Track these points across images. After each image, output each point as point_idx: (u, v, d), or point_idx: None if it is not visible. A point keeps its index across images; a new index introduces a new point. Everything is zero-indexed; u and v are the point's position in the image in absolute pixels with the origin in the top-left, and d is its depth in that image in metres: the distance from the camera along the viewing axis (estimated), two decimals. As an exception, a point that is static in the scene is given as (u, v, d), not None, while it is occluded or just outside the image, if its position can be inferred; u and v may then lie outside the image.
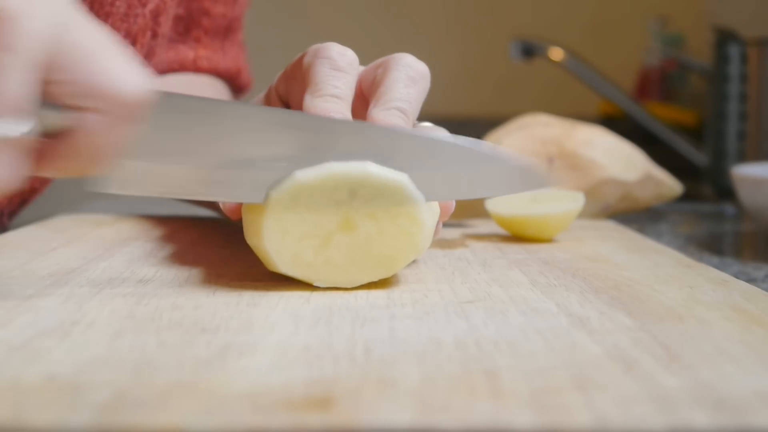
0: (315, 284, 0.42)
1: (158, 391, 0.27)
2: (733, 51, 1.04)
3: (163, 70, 0.74)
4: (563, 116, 0.80)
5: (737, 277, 0.46)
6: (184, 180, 0.41)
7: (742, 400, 0.27)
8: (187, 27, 0.74)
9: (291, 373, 0.29)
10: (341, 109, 0.46)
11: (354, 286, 0.43)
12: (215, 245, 0.55)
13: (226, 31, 0.76)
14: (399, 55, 0.49)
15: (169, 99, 0.40)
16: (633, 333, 0.34)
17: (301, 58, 0.49)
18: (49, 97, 0.37)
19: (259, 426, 0.25)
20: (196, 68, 0.75)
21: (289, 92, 0.52)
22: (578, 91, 1.42)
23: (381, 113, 0.46)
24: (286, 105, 0.53)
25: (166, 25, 0.67)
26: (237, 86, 0.79)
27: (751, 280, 0.54)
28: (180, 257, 0.51)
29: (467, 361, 0.31)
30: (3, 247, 0.53)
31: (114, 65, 0.37)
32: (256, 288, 0.42)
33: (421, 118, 0.49)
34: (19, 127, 0.35)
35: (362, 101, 0.49)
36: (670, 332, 0.35)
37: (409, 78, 0.47)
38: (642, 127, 1.13)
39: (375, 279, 0.43)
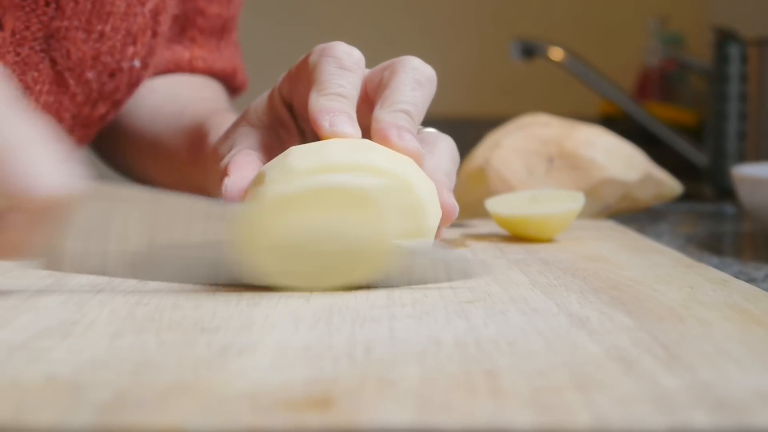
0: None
1: (158, 391, 0.27)
2: (733, 51, 1.04)
3: (159, 71, 0.74)
4: (563, 116, 0.80)
5: (737, 277, 0.46)
6: (114, 261, 0.41)
7: (742, 400, 0.27)
8: (183, 27, 0.74)
9: (291, 373, 0.29)
10: (346, 108, 0.45)
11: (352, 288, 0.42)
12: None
13: (222, 31, 0.76)
14: (406, 58, 0.49)
15: (93, 188, 0.40)
16: (633, 333, 0.34)
17: (307, 57, 0.49)
18: None
19: (259, 426, 0.25)
20: (191, 68, 0.75)
21: (293, 93, 0.51)
22: (578, 91, 1.42)
23: (387, 115, 0.45)
24: (290, 105, 0.52)
25: (165, 24, 0.67)
26: (233, 87, 0.79)
27: (751, 280, 0.54)
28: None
29: (467, 360, 0.31)
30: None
31: (30, 164, 0.36)
32: (256, 288, 0.42)
33: (423, 118, 0.49)
34: None
35: (367, 103, 0.49)
36: (670, 332, 0.35)
37: (416, 81, 0.47)
38: (642, 127, 1.13)
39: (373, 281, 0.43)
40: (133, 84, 0.66)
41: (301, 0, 1.90)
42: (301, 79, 0.50)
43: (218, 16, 0.75)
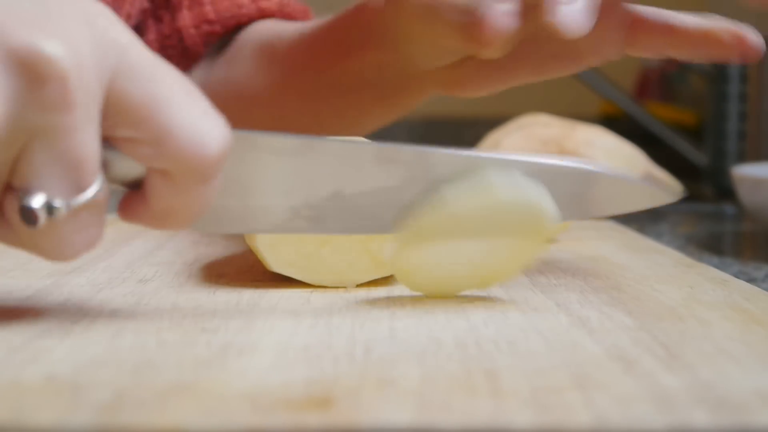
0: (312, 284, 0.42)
1: (158, 391, 0.27)
2: (733, 51, 1.04)
3: (224, 21, 0.67)
4: (563, 116, 0.80)
5: (737, 277, 0.46)
6: (276, 217, 0.38)
7: (742, 400, 0.27)
8: None
9: (291, 373, 0.29)
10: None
11: (351, 285, 0.43)
12: (215, 245, 0.55)
13: None
14: None
15: (253, 138, 0.36)
16: (633, 333, 0.34)
17: None
18: (117, 147, 0.33)
19: (259, 426, 0.25)
20: (258, 9, 0.67)
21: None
22: (578, 91, 1.42)
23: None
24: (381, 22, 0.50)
25: None
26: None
27: (751, 280, 0.54)
28: (180, 257, 0.51)
29: (467, 360, 0.31)
30: (3, 246, 0.53)
31: (183, 119, 0.32)
32: (256, 288, 0.42)
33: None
34: (88, 190, 0.32)
35: None
36: (670, 332, 0.35)
37: None
38: (642, 127, 1.12)
39: (373, 278, 0.43)
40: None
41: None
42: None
43: None
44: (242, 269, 0.47)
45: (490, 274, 0.40)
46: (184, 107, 0.32)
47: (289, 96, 0.60)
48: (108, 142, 0.33)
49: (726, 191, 1.01)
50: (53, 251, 0.33)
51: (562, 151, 0.74)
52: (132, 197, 0.34)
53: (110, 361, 0.31)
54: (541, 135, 0.76)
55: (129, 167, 0.33)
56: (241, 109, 0.60)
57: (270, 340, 0.33)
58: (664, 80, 1.67)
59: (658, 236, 0.73)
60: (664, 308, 0.39)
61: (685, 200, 0.85)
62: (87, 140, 0.31)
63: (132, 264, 0.48)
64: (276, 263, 0.42)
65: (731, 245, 0.76)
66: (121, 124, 0.32)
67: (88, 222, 0.32)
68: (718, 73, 1.05)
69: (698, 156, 1.09)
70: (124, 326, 0.35)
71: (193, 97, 0.33)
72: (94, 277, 0.44)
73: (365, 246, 0.42)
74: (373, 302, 0.39)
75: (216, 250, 0.53)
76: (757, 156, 1.03)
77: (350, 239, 0.42)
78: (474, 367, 0.30)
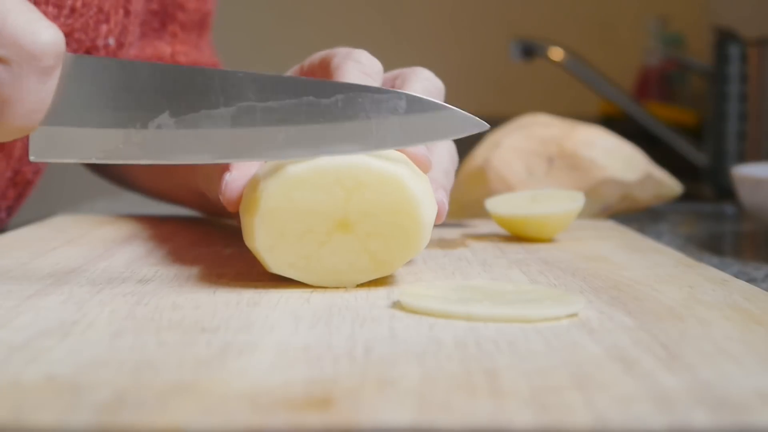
0: (312, 284, 0.42)
1: (158, 391, 0.27)
2: (733, 51, 1.04)
3: None
4: (563, 116, 0.80)
5: (737, 277, 0.46)
6: (113, 144, 0.40)
7: (742, 400, 0.27)
8: (163, 22, 0.74)
9: (291, 373, 0.29)
10: None
11: (351, 286, 0.42)
12: (215, 245, 0.55)
13: (200, 26, 0.77)
14: (418, 69, 0.50)
15: (91, 62, 0.40)
16: (633, 333, 0.34)
17: (326, 58, 0.50)
18: None
19: (259, 426, 0.25)
20: (174, 63, 0.75)
21: None
22: (578, 91, 1.42)
23: None
24: None
25: (138, 4, 0.67)
26: None
27: (751, 280, 0.54)
28: (180, 257, 0.51)
29: (467, 360, 0.31)
30: (3, 247, 0.53)
31: (20, 17, 0.37)
32: (256, 288, 0.42)
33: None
34: None
35: None
36: (670, 332, 0.35)
37: (427, 90, 0.49)
38: (642, 127, 1.12)
39: (372, 278, 0.43)
40: None
41: None
42: (317, 77, 0.50)
43: (197, 10, 0.75)
44: (242, 269, 0.47)
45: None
46: (24, 8, 0.37)
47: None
48: None
49: (726, 191, 1.01)
50: None
51: (563, 151, 0.74)
52: None
53: (110, 361, 0.31)
54: (541, 135, 0.76)
55: None
56: None
57: (270, 340, 0.33)
58: (664, 80, 1.67)
59: (658, 236, 0.73)
60: (664, 308, 0.39)
61: (685, 200, 0.85)
62: None
63: (132, 264, 0.48)
64: (275, 265, 0.42)
65: (731, 245, 0.76)
66: None
67: None
68: (718, 73, 1.05)
69: (698, 156, 1.09)
70: (124, 326, 0.35)
71: (28, 5, 0.38)
72: (94, 277, 0.44)
73: (365, 246, 0.42)
74: (373, 302, 0.39)
75: (216, 251, 0.53)
76: (757, 156, 1.03)
77: (349, 240, 0.42)
78: (474, 367, 0.30)
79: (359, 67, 0.48)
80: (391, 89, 0.42)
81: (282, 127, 0.41)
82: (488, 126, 0.44)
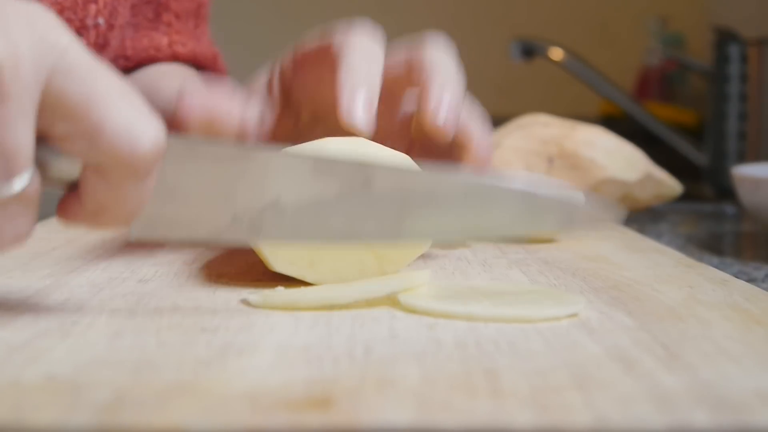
0: (312, 283, 0.42)
1: (158, 391, 0.27)
2: (733, 51, 1.04)
3: (140, 59, 0.73)
4: (563, 116, 0.80)
5: (737, 277, 0.46)
6: (219, 224, 0.38)
7: (742, 400, 0.27)
8: (157, 12, 0.73)
9: (291, 373, 0.29)
10: (373, 98, 0.46)
11: (353, 285, 0.42)
12: (215, 245, 0.55)
13: (196, 16, 0.76)
14: (428, 49, 0.50)
15: (185, 144, 0.37)
16: (633, 333, 0.34)
17: (321, 43, 0.50)
18: (54, 146, 0.34)
19: (259, 426, 0.25)
20: (173, 54, 0.74)
21: (300, 75, 0.51)
22: (578, 91, 1.42)
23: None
24: (287, 89, 0.53)
25: (124, 8, 0.67)
26: (214, 74, 0.78)
27: (751, 280, 0.54)
28: (180, 257, 0.51)
29: (467, 360, 0.31)
30: (3, 247, 0.53)
31: (118, 116, 0.33)
32: (256, 288, 0.42)
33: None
34: (17, 181, 0.32)
35: (386, 84, 0.49)
36: (670, 332, 0.35)
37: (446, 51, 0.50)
38: (642, 127, 1.12)
39: (374, 278, 0.43)
40: (101, 45, 0.65)
41: None
42: (314, 63, 0.50)
43: None
44: (242, 269, 0.47)
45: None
46: (119, 104, 0.33)
47: None
48: (45, 141, 0.34)
49: (726, 191, 1.01)
50: None
51: (562, 151, 0.74)
52: (68, 198, 0.35)
53: (110, 361, 0.31)
54: (541, 135, 0.76)
55: (65, 167, 0.34)
56: None
57: (270, 340, 0.33)
58: (664, 80, 1.67)
59: (658, 236, 0.73)
60: (664, 308, 0.39)
61: (685, 200, 0.85)
62: (19, 132, 0.32)
63: (132, 264, 0.48)
64: (277, 262, 0.42)
65: (731, 245, 0.76)
66: (57, 120, 0.33)
67: (16, 214, 0.33)
68: (718, 73, 1.05)
69: (698, 156, 1.09)
70: (124, 326, 0.35)
71: (129, 97, 0.34)
72: (94, 277, 0.44)
73: (367, 245, 0.42)
74: (373, 302, 0.39)
75: (216, 251, 0.53)
76: (757, 156, 1.03)
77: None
78: (474, 367, 0.30)
79: (361, 46, 0.47)
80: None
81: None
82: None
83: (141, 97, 0.34)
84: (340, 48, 0.48)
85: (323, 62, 0.50)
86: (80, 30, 0.63)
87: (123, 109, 0.33)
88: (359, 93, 0.45)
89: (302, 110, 0.53)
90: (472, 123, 0.51)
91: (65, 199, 0.36)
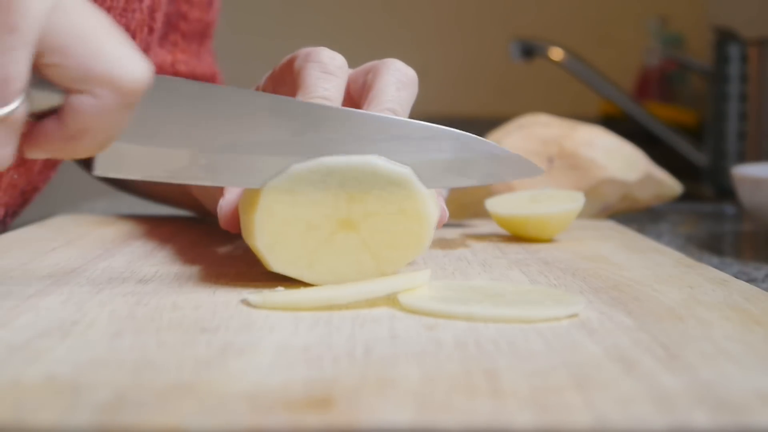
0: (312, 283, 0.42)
1: (158, 391, 0.27)
2: (733, 51, 1.04)
3: None
4: (563, 116, 0.80)
5: (737, 277, 0.46)
6: (179, 164, 0.41)
7: (742, 400, 0.27)
8: (165, 31, 0.74)
9: (291, 373, 0.29)
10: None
11: (353, 286, 0.42)
12: (215, 245, 0.55)
13: (202, 36, 0.77)
14: (389, 60, 0.50)
15: (163, 82, 0.40)
16: (633, 333, 0.34)
17: (291, 61, 0.50)
18: (39, 76, 0.36)
19: (259, 426, 0.25)
20: (174, 72, 0.76)
21: (277, 94, 0.52)
22: (578, 91, 1.42)
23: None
24: None
25: (160, 21, 0.67)
26: None
27: (751, 280, 0.54)
28: (180, 257, 0.51)
29: (467, 360, 0.31)
30: (3, 247, 0.53)
31: (111, 49, 0.37)
32: (256, 288, 0.42)
33: (422, 117, 0.50)
34: (9, 105, 0.35)
35: (350, 104, 0.50)
36: (670, 332, 0.35)
37: (399, 82, 0.49)
38: (642, 127, 1.13)
39: (374, 278, 0.43)
40: None
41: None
42: (285, 82, 0.51)
43: (199, 20, 0.76)
44: (242, 269, 0.47)
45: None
46: (112, 38, 0.37)
47: None
48: (34, 69, 0.36)
49: (726, 191, 1.01)
50: None
51: (562, 151, 0.74)
52: (41, 125, 0.38)
53: (110, 361, 0.31)
54: (541, 135, 0.76)
55: (47, 96, 0.37)
56: None
57: (270, 340, 0.33)
58: (664, 80, 1.67)
59: (658, 236, 0.73)
60: (664, 308, 0.39)
61: (685, 200, 0.85)
62: (20, 62, 0.35)
63: (132, 264, 0.48)
64: (276, 263, 0.42)
65: (731, 245, 0.76)
66: (53, 53, 0.36)
67: (2, 137, 0.36)
68: (718, 73, 1.05)
69: (698, 156, 1.09)
70: (124, 326, 0.35)
71: (120, 35, 0.37)
72: (94, 277, 0.44)
73: (368, 246, 0.42)
74: (373, 302, 0.39)
75: (216, 251, 0.53)
76: (757, 156, 1.03)
77: (352, 239, 0.42)
78: (474, 367, 0.30)
79: (320, 67, 0.48)
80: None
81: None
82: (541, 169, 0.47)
83: (128, 37, 0.38)
84: (300, 63, 0.49)
85: (289, 78, 0.50)
86: None
87: (116, 43, 0.37)
88: None
89: None
90: None
91: (37, 127, 0.38)
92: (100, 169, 0.41)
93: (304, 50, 0.50)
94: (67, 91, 0.37)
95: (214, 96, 0.41)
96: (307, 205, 0.41)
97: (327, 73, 0.48)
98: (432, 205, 0.42)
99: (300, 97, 0.47)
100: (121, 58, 0.37)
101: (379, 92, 0.48)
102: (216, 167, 0.42)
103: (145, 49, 0.66)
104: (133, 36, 0.63)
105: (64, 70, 0.36)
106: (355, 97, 0.50)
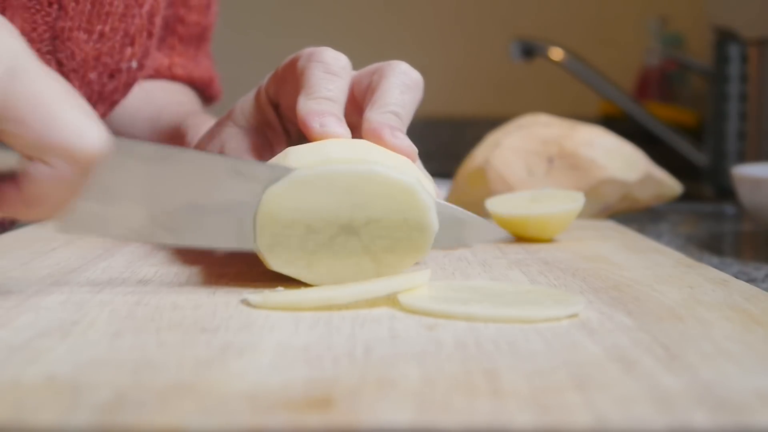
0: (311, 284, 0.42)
1: (158, 391, 0.27)
2: (733, 51, 1.04)
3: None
4: (563, 116, 0.80)
5: (737, 277, 0.46)
6: (139, 224, 0.40)
7: (742, 400, 0.27)
8: (163, 35, 0.75)
9: (291, 373, 0.29)
10: (334, 111, 0.46)
11: (353, 286, 0.42)
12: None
13: (199, 39, 0.78)
14: (394, 63, 0.50)
15: (123, 144, 0.39)
16: (633, 333, 0.34)
17: (294, 60, 0.50)
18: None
19: (259, 426, 0.25)
20: (171, 75, 0.76)
21: (280, 94, 0.52)
22: (578, 91, 1.42)
23: (378, 116, 0.46)
24: (276, 106, 0.53)
25: (158, 26, 0.67)
26: (208, 96, 0.81)
27: (751, 280, 0.54)
28: (180, 257, 0.51)
29: (467, 361, 0.31)
30: (3, 247, 0.53)
31: (66, 119, 0.37)
32: (256, 288, 0.42)
33: (423, 117, 0.50)
34: None
35: (354, 106, 0.50)
36: (670, 332, 0.35)
37: (404, 85, 0.48)
38: (642, 127, 1.13)
39: (373, 278, 0.43)
40: (129, 84, 0.66)
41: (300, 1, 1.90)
42: (288, 81, 0.50)
43: (197, 24, 0.76)
44: (242, 269, 0.47)
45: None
46: (68, 104, 0.37)
47: None
48: None
49: (726, 191, 1.01)
50: None
51: (562, 151, 0.74)
52: (0, 186, 0.38)
53: (110, 361, 0.31)
54: (541, 135, 0.76)
55: (4, 157, 0.37)
56: None
57: (270, 340, 0.33)
58: (664, 80, 1.67)
59: (658, 236, 0.73)
60: (664, 308, 0.39)
61: (685, 200, 0.85)
62: None
63: (132, 264, 0.48)
64: (276, 263, 0.42)
65: (731, 245, 0.76)
66: (7, 120, 0.36)
67: None
68: (718, 73, 1.05)
69: (698, 156, 1.09)
70: (124, 326, 0.35)
71: (76, 99, 0.37)
72: (94, 277, 0.44)
73: (369, 249, 0.42)
74: (373, 302, 0.39)
75: (216, 251, 0.53)
76: (757, 156, 1.03)
77: (353, 242, 0.42)
78: (474, 367, 0.30)
79: (323, 67, 0.48)
80: None
81: None
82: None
83: (83, 102, 0.38)
84: (303, 63, 0.49)
85: (292, 78, 0.50)
86: (114, 72, 0.64)
87: (73, 111, 0.37)
88: (316, 114, 0.46)
89: (290, 126, 0.54)
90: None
91: None
92: (62, 228, 0.40)
93: (307, 50, 0.50)
94: (24, 156, 0.37)
95: (173, 158, 0.40)
96: (310, 210, 0.41)
97: (330, 73, 0.48)
98: (434, 215, 0.42)
99: (303, 97, 0.47)
100: (77, 128, 0.37)
101: (382, 95, 0.47)
102: (178, 228, 0.41)
103: (144, 54, 0.66)
104: (133, 41, 0.64)
105: (20, 139, 0.36)
106: (359, 98, 0.50)
